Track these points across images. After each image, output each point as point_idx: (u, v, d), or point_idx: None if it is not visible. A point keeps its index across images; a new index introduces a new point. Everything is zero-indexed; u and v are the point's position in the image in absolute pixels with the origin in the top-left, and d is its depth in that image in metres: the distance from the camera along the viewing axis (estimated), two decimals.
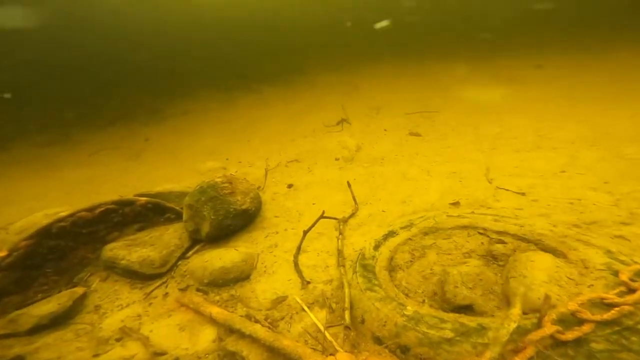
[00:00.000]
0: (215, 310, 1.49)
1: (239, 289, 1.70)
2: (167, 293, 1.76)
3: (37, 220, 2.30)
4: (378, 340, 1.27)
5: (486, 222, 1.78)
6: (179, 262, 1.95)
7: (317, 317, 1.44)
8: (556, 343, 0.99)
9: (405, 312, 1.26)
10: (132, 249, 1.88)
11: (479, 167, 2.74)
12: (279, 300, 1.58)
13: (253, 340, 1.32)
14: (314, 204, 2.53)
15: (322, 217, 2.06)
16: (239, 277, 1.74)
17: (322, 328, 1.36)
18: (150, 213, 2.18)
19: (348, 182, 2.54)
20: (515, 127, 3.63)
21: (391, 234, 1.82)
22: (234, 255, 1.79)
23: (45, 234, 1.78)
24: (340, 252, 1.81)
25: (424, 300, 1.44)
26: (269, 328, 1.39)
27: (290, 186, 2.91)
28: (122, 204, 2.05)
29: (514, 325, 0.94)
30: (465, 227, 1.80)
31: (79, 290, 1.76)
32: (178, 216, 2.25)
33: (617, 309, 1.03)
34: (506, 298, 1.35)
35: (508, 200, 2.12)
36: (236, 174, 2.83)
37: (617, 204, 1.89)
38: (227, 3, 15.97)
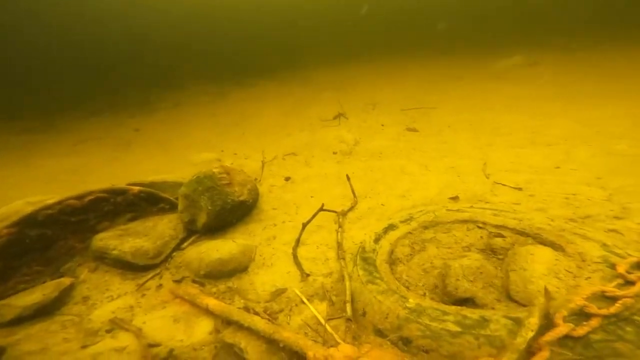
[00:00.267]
0: (212, 302, 1.45)
1: (237, 281, 1.66)
2: (160, 284, 1.70)
3: (18, 208, 2.18)
4: (379, 333, 1.26)
5: (485, 217, 1.79)
6: (174, 253, 1.89)
7: (317, 310, 1.41)
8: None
9: (408, 305, 1.25)
10: (125, 239, 1.81)
11: (476, 162, 2.76)
12: (278, 293, 1.55)
13: (251, 332, 1.29)
14: (312, 197, 2.49)
15: (321, 209, 2.03)
16: (237, 269, 1.70)
17: (322, 320, 1.34)
18: (143, 203, 2.10)
19: (347, 176, 2.52)
20: (510, 124, 3.68)
21: (391, 227, 1.81)
22: (232, 246, 1.75)
23: (29, 222, 1.68)
24: (340, 245, 1.79)
25: (424, 293, 1.43)
26: (269, 320, 1.36)
27: (287, 179, 2.86)
28: (114, 192, 1.96)
29: (531, 334, 0.94)
30: (464, 221, 1.81)
31: (66, 280, 1.68)
32: (172, 207, 2.18)
33: (620, 302, 1.04)
34: (506, 291, 1.36)
35: (505, 195, 2.14)
36: (232, 166, 2.76)
37: (609, 199, 1.93)
38: None
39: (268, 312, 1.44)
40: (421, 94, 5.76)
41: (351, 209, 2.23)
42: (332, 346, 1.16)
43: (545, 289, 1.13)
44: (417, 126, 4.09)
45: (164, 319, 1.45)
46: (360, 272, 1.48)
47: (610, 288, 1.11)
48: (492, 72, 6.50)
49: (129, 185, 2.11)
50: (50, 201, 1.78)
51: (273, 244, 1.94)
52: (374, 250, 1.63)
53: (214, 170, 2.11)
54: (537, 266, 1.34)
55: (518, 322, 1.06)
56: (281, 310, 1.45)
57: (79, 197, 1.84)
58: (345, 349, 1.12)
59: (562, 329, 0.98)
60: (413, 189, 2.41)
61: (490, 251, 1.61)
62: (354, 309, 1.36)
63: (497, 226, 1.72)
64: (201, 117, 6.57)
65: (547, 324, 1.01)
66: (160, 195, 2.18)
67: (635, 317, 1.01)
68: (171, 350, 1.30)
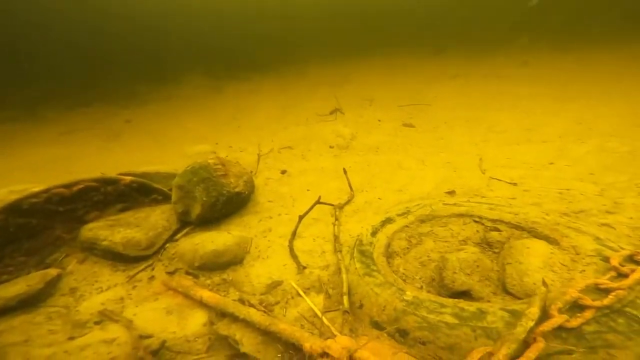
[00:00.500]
0: (206, 294, 1.42)
1: (232, 273, 1.63)
2: (153, 276, 1.66)
3: (1, 197, 2.09)
4: (376, 325, 1.25)
5: (481, 211, 1.79)
6: (167, 245, 1.84)
7: (314, 302, 1.40)
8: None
9: (405, 297, 1.24)
10: (115, 230, 1.75)
11: (472, 158, 2.77)
12: (274, 285, 1.52)
13: (246, 324, 1.27)
14: (308, 190, 2.47)
15: (318, 202, 2.01)
16: (232, 261, 1.67)
17: (319, 313, 1.33)
18: (134, 193, 2.04)
19: (344, 169, 2.50)
20: (506, 122, 3.71)
21: (388, 220, 1.80)
22: (227, 238, 1.71)
23: (13, 210, 1.61)
24: (336, 238, 1.77)
25: (421, 286, 1.43)
26: (264, 312, 1.34)
27: (283, 172, 2.83)
28: (104, 182, 1.90)
29: (531, 324, 0.94)
30: (461, 215, 1.81)
31: (52, 271, 1.61)
32: (165, 198, 2.13)
33: (613, 294, 1.05)
34: (502, 284, 1.37)
35: (501, 190, 2.16)
36: (227, 158, 2.71)
37: (602, 194, 1.97)
38: None
39: (264, 305, 1.42)
40: (417, 90, 5.76)
41: (348, 202, 2.22)
42: (329, 338, 1.15)
43: (544, 281, 1.13)
44: (414, 122, 4.09)
45: (156, 311, 1.42)
46: (358, 265, 1.47)
47: (604, 280, 1.12)
48: (484, 71, 6.54)
49: (121, 175, 2.04)
50: (36, 189, 1.71)
51: (269, 236, 1.91)
52: (371, 243, 1.62)
53: (209, 161, 2.06)
54: (533, 259, 1.35)
55: (514, 315, 1.06)
56: (277, 303, 1.43)
57: (68, 186, 1.77)
58: (343, 340, 1.11)
59: (557, 320, 0.98)
60: (410, 183, 2.40)
61: (486, 245, 1.61)
62: (350, 302, 1.34)
63: (493, 220, 1.72)
64: (196, 110, 6.46)
65: (543, 315, 1.01)
66: (153, 185, 2.12)
67: (627, 309, 1.03)
68: (163, 342, 1.27)
